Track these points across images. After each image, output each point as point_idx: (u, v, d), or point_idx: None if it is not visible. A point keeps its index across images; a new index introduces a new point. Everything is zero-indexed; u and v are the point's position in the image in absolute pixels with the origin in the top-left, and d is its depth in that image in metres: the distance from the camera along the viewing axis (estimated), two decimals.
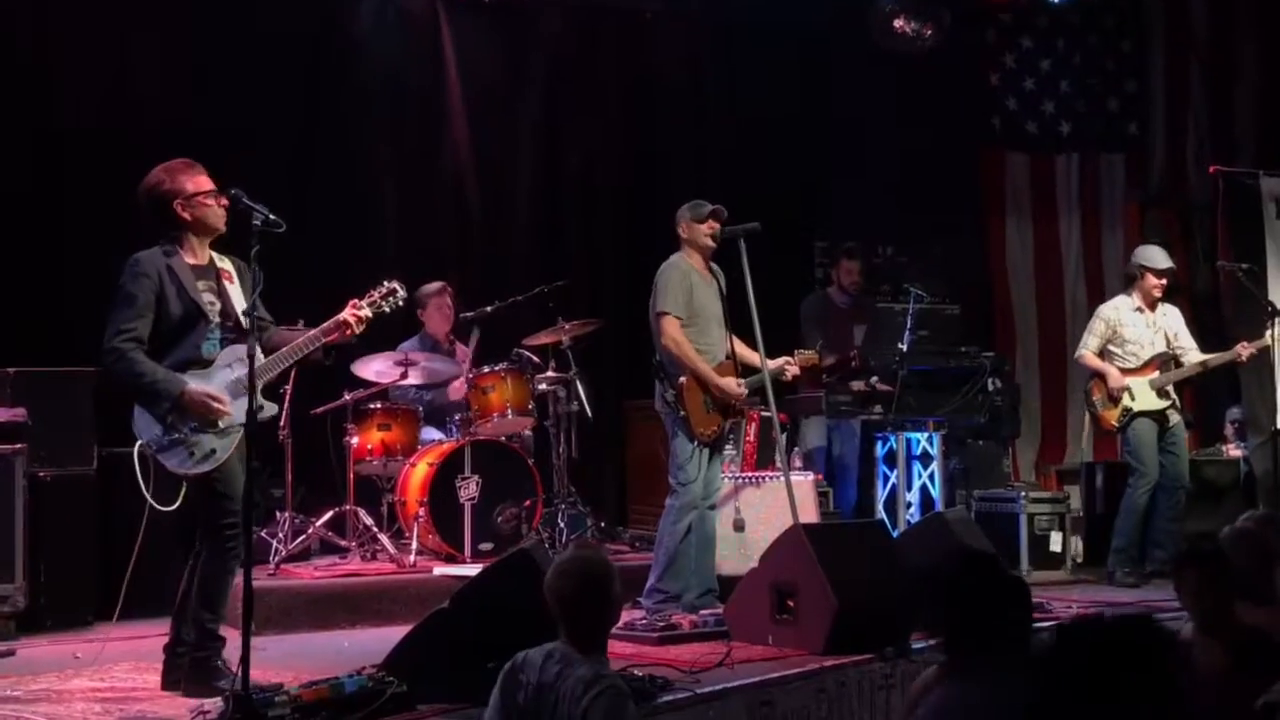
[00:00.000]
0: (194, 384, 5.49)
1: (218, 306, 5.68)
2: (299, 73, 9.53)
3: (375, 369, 8.36)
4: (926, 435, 9.27)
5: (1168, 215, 11.90)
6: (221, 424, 5.52)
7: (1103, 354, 8.91)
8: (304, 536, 8.07)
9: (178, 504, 5.49)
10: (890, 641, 6.13)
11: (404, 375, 8.32)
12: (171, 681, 5.65)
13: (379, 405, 8.40)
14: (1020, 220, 11.81)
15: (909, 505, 9.25)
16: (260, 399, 5.47)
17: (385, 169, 9.86)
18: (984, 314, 11.35)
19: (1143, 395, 8.75)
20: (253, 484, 5.42)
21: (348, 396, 8.23)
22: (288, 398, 7.88)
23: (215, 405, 5.49)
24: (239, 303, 5.69)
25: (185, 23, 9.02)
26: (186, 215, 5.65)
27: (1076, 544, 9.48)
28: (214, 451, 5.51)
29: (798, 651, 6.19)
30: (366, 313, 5.83)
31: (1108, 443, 11.36)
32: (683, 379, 7.13)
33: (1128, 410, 8.77)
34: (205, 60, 9.08)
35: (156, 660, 5.93)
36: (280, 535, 7.94)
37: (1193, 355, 8.86)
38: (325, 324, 5.79)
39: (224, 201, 5.62)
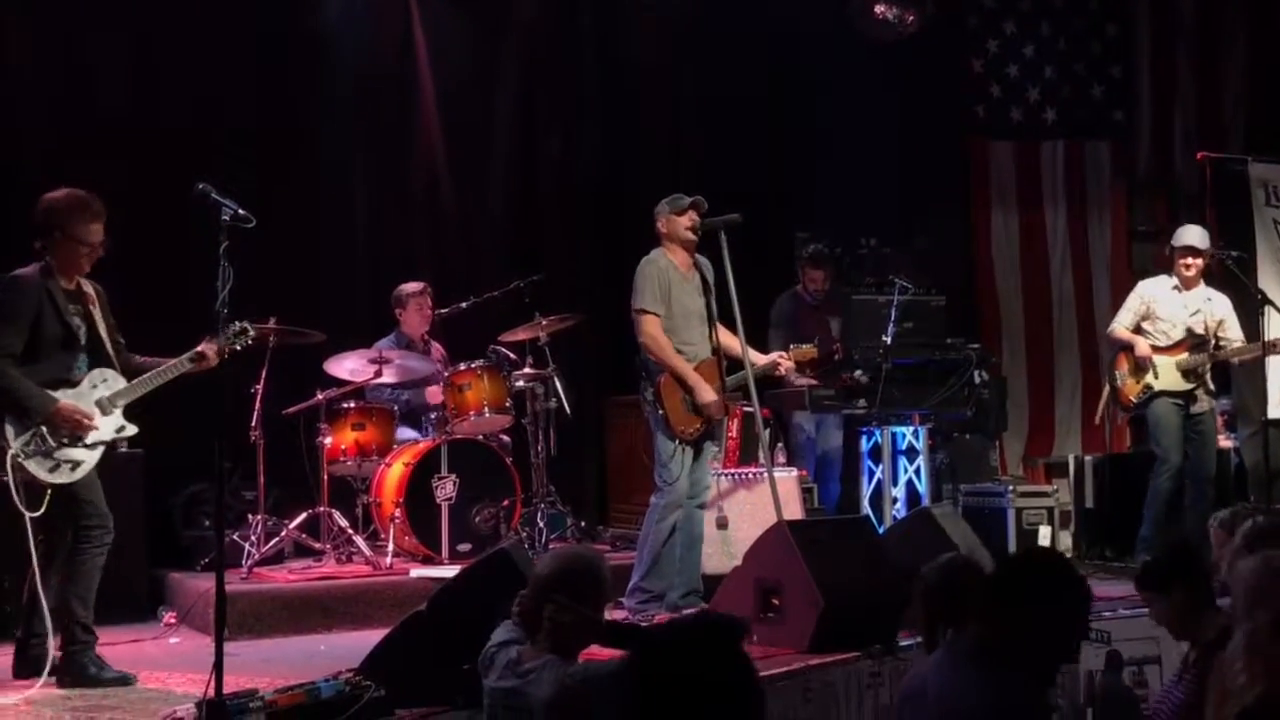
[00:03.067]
0: (65, 400, 5.84)
1: (84, 330, 6.01)
2: (266, 65, 9.35)
3: (349, 367, 8.23)
4: (912, 429, 9.18)
5: (1155, 202, 11.84)
6: (89, 439, 5.87)
7: (1137, 332, 8.68)
8: (277, 539, 7.96)
9: (42, 510, 5.72)
10: (877, 639, 6.04)
11: (378, 373, 8.18)
12: (24, 673, 5.90)
13: (352, 404, 8.28)
14: (1005, 209, 11.71)
15: (895, 501, 9.14)
16: (122, 420, 6.03)
17: (355, 162, 9.72)
18: (970, 305, 11.26)
19: (1166, 374, 8.50)
20: (224, 486, 5.40)
21: (321, 396, 8.09)
22: (259, 397, 7.78)
23: (85, 421, 5.84)
24: (101, 326, 6.06)
25: (146, 13, 8.85)
26: (57, 253, 5.94)
27: (1065, 538, 9.38)
28: (80, 463, 5.86)
29: (783, 650, 6.09)
30: (213, 348, 6.04)
31: (1095, 435, 11.32)
32: (661, 377, 7.02)
33: (1149, 388, 8.52)
34: (168, 52, 8.94)
35: (125, 668, 5.96)
36: (253, 538, 7.82)
37: (1235, 346, 8.58)
38: (188, 354, 6.10)
39: (97, 255, 5.98)
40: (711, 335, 7.19)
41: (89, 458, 5.89)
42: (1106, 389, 8.97)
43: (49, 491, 5.75)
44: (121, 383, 6.03)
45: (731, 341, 7.24)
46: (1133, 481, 9.50)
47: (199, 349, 6.06)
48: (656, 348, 7.01)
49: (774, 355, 7.42)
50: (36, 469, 5.73)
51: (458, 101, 10.10)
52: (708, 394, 7.01)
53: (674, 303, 7.09)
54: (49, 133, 8.58)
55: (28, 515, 5.64)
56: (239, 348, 6.36)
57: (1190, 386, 8.52)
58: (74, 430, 5.81)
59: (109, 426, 5.95)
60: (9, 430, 5.72)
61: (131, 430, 6.07)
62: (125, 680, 5.83)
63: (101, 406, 5.93)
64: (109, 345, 6.06)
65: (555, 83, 10.53)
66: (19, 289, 5.86)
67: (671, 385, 7.01)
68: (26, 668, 5.89)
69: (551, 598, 4.06)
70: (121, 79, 8.85)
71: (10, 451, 5.67)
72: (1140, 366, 8.53)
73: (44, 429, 5.74)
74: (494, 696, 4.03)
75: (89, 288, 6.09)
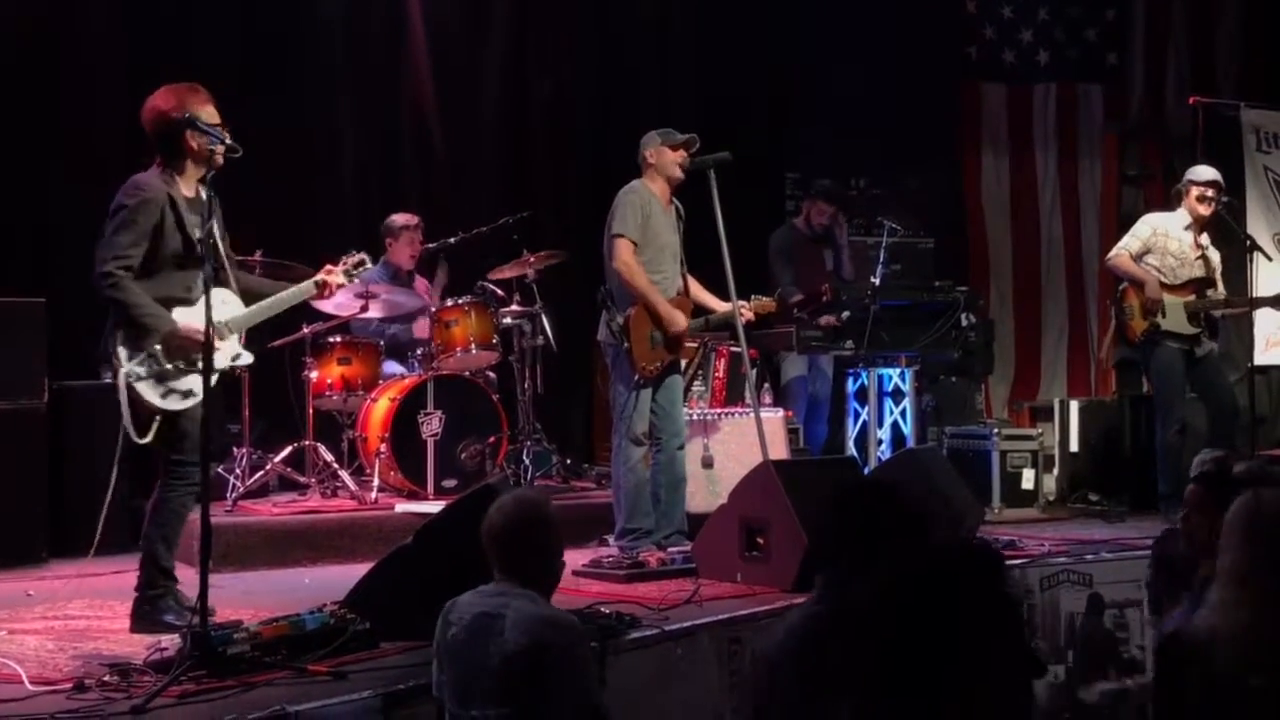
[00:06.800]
0: (184, 320, 5.39)
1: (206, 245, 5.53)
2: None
3: (335, 301, 8.15)
4: (898, 371, 9.18)
5: (1146, 147, 11.82)
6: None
7: (1136, 262, 8.42)
8: (262, 473, 7.96)
9: (149, 438, 5.38)
10: None
11: (365, 308, 8.14)
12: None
13: (339, 339, 8.25)
14: (996, 152, 11.68)
15: (880, 442, 9.17)
16: (238, 347, 5.63)
17: (345, 96, 9.62)
18: (958, 248, 11.26)
19: (1174, 316, 8.28)
20: (209, 419, 5.31)
21: (306, 329, 8.07)
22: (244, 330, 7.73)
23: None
24: (220, 240, 5.58)
25: None
26: (194, 145, 5.52)
27: (1049, 481, 9.40)
28: (192, 390, 5.42)
29: (767, 589, 6.12)
30: (340, 279, 5.90)
31: (1081, 378, 11.35)
32: (632, 309, 6.94)
33: (1155, 327, 8.29)
34: None
35: (111, 598, 6.01)
36: (238, 471, 7.82)
37: (1227, 296, 8.43)
38: (307, 283, 5.83)
39: (228, 139, 5.48)
40: (681, 275, 7.18)
41: (199, 385, 5.34)
42: (1113, 325, 8.80)
43: (158, 418, 5.39)
44: (239, 307, 5.63)
45: (699, 292, 7.23)
46: (1117, 426, 9.54)
47: (321, 276, 5.84)
48: (630, 274, 6.91)
49: (739, 304, 7.13)
50: (148, 392, 5.34)
51: (449, 37, 10.00)
52: (679, 322, 6.95)
53: (651, 234, 7.02)
54: (17, 56, 8.40)
55: (135, 440, 5.32)
56: (355, 279, 6.14)
57: (1196, 330, 8.35)
58: (191, 352, 5.34)
59: (225, 353, 5.55)
60: (122, 349, 5.35)
61: (247, 359, 5.69)
62: None
63: (219, 331, 5.41)
64: (227, 263, 5.64)
65: (547, 20, 10.44)
66: (144, 196, 5.41)
67: (641, 318, 6.93)
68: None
69: (523, 548, 4.07)
70: (106, 13, 8.74)
71: (123, 370, 5.32)
72: (1146, 306, 8.30)
73: (159, 350, 5.34)
74: (462, 622, 4.01)
75: (207, 196, 5.54)
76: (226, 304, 5.57)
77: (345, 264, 5.96)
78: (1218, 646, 3.02)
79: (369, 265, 6.11)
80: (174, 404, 5.40)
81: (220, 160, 5.54)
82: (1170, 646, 3.18)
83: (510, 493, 4.38)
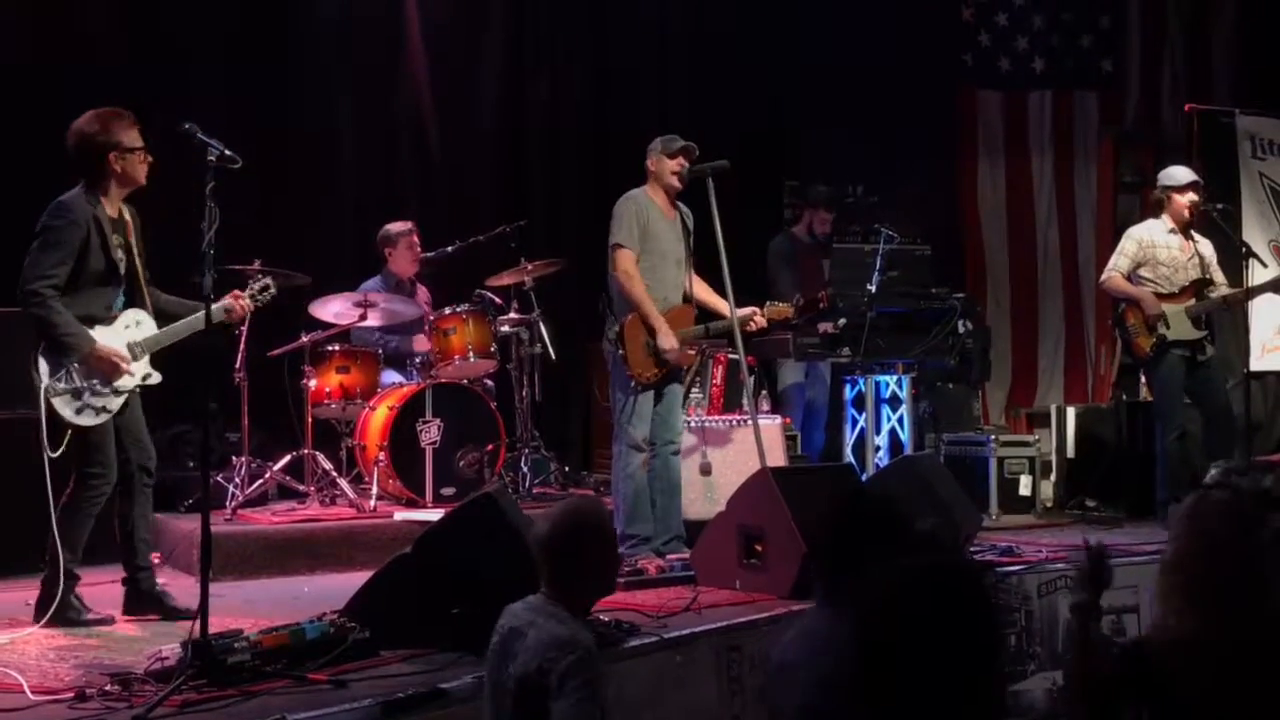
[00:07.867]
0: (102, 342, 5.69)
1: (124, 263, 5.83)
2: (250, 2, 9.26)
3: (334, 310, 8.21)
4: (896, 378, 9.19)
5: (1141, 154, 11.81)
6: (118, 384, 5.72)
7: (1130, 279, 8.44)
8: (261, 481, 7.95)
9: (61, 450, 5.64)
10: None
11: (363, 316, 8.16)
12: (140, 608, 5.95)
13: (337, 347, 8.26)
14: (992, 159, 11.69)
15: (878, 449, 9.17)
16: (148, 367, 5.87)
17: (341, 103, 9.66)
18: (955, 255, 11.25)
19: (1178, 324, 8.28)
20: (209, 428, 5.40)
21: (305, 338, 8.08)
22: (243, 339, 7.76)
23: (121, 365, 5.70)
24: (138, 259, 5.88)
25: None
26: (118, 168, 5.78)
27: (1046, 487, 9.42)
28: (105, 408, 5.72)
29: (765, 596, 6.13)
30: (246, 304, 6.13)
31: (1078, 385, 11.36)
32: (627, 317, 6.98)
33: (1162, 339, 8.28)
34: None
35: (109, 606, 5.97)
36: (237, 480, 7.82)
37: (1224, 290, 8.40)
38: (217, 307, 5.92)
39: (150, 159, 5.80)
40: (686, 281, 7.19)
41: (113, 404, 5.73)
42: (1119, 345, 8.81)
43: (69, 432, 5.62)
44: (152, 328, 5.87)
45: (709, 297, 7.24)
46: (1114, 431, 9.55)
47: (230, 302, 6.00)
48: (628, 282, 6.96)
49: (751, 309, 7.22)
50: (63, 408, 5.60)
51: (445, 42, 10.04)
52: (669, 340, 6.95)
53: (651, 241, 7.05)
54: (10, 62, 8.42)
55: (48, 455, 5.51)
56: (261, 304, 6.26)
57: (1201, 335, 8.33)
58: (108, 373, 5.67)
59: (137, 373, 5.79)
60: (42, 364, 5.59)
61: (156, 378, 5.89)
62: (105, 622, 5.80)
63: (132, 351, 5.78)
64: (143, 281, 5.88)
65: (543, 23, 10.47)
66: (70, 217, 5.64)
67: (636, 326, 6.97)
68: (142, 604, 5.93)
69: (564, 558, 4.01)
70: (100, 19, 8.74)
71: (43, 385, 5.55)
72: (1148, 323, 8.30)
73: (77, 368, 5.60)
74: (500, 633, 3.97)
75: (128, 215, 5.90)
76: (141, 325, 5.85)
77: (251, 289, 6.17)
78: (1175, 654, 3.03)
79: (273, 290, 6.27)
80: (87, 420, 5.67)
81: (143, 180, 5.82)
82: (1132, 660, 3.16)
83: (564, 501, 4.32)
